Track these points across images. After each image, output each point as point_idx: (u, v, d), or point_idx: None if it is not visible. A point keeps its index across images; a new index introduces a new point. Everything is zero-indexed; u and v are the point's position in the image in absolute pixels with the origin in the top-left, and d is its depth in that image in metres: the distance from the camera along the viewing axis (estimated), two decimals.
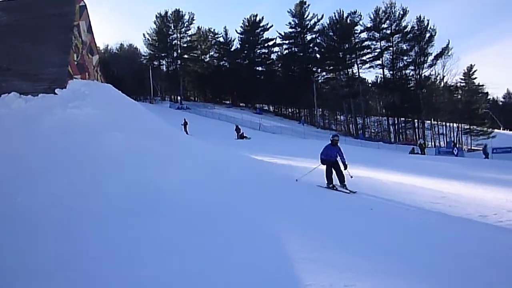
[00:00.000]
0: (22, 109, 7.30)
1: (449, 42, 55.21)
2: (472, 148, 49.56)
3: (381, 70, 60.95)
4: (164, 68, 73.12)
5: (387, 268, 3.47)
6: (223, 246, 3.82)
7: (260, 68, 74.32)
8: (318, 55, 67.27)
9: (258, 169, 9.13)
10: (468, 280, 3.33)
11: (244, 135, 30.20)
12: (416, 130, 57.40)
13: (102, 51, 59.27)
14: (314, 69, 67.18)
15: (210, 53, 75.16)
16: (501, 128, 62.84)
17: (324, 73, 68.25)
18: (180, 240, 3.91)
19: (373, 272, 3.32)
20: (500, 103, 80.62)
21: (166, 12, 70.08)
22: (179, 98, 67.69)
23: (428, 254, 3.95)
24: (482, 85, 63.91)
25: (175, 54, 70.70)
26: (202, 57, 73.51)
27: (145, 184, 5.54)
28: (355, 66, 62.47)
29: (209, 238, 4.00)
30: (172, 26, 69.91)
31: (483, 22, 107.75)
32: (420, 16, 56.84)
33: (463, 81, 62.21)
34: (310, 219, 5.14)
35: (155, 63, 71.04)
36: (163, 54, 70.95)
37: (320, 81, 67.42)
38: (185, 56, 71.21)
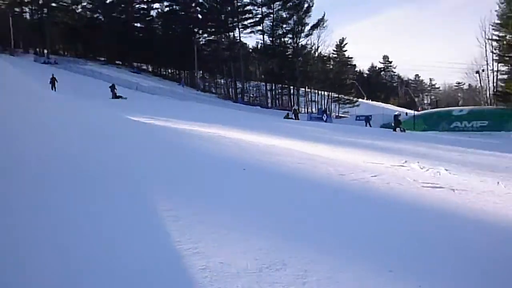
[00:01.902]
0: None
1: (324, 14, 58.57)
2: (340, 115, 54.48)
3: (262, 36, 62.37)
4: (28, 17, 64.86)
5: (253, 224, 3.70)
6: (100, 206, 3.71)
7: (138, 25, 70.47)
8: (200, 16, 66.03)
9: (130, 129, 8.87)
10: (327, 224, 3.75)
11: (119, 94, 28.77)
12: (292, 96, 60.67)
13: None
14: (196, 30, 65.93)
15: (83, 4, 68.55)
16: (365, 98, 69.97)
17: (205, 35, 67.47)
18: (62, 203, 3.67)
19: (229, 225, 3.51)
20: (365, 75, 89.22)
21: None
22: (45, 51, 61.04)
23: (290, 206, 4.34)
24: (351, 58, 70.19)
25: (40, 1, 62.88)
26: (73, 7, 66.79)
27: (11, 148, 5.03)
28: (237, 30, 62.85)
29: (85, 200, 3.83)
30: None
31: None
32: None
33: (335, 53, 67.15)
34: (180, 177, 5.20)
35: (17, 10, 62.44)
36: (26, 0, 62.63)
37: (201, 42, 66.59)
38: (53, 4, 63.85)
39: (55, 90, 23.36)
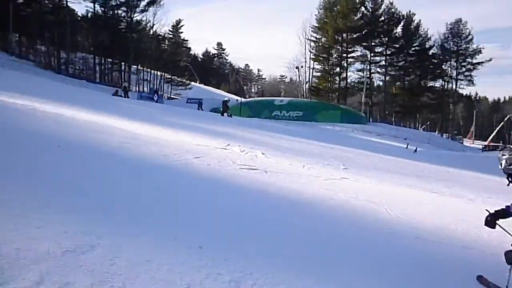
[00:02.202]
0: None
1: None
2: (171, 96, 54.32)
3: (93, 4, 57.54)
4: None
5: (57, 199, 3.45)
6: None
7: None
8: None
9: None
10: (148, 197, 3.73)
11: None
12: (122, 73, 57.89)
13: None
14: None
15: None
16: (197, 82, 71.25)
17: None
18: None
19: (30, 208, 3.21)
20: (199, 59, 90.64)
21: None
22: None
23: (96, 187, 4.18)
24: (187, 40, 70.37)
25: None
26: None
27: None
28: None
29: None
30: None
31: None
32: None
33: (170, 33, 66.33)
34: None
35: None
36: None
37: (20, 1, 58.00)
38: None
39: None
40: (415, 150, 20.65)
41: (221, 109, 26.50)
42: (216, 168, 6.15)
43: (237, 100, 42.21)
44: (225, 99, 29.65)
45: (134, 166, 5.42)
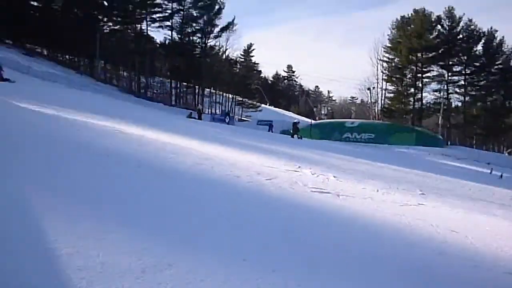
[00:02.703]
0: None
1: (234, 18, 59.42)
2: (242, 118, 55.59)
3: (170, 32, 61.22)
4: None
5: (133, 223, 3.60)
6: None
7: (35, 3, 64.63)
8: (105, 2, 62.70)
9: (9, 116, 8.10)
10: (209, 222, 3.78)
11: (5, 77, 25.98)
12: (196, 96, 60.38)
13: None
14: (100, 17, 62.41)
15: None
16: (268, 104, 72.41)
17: (110, 24, 64.21)
18: None
19: (111, 224, 3.38)
20: (270, 82, 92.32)
21: None
22: None
23: (181, 207, 4.30)
24: (257, 64, 72.23)
25: None
26: None
27: None
28: (145, 23, 60.95)
29: None
30: None
31: (265, 5, 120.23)
32: None
33: (242, 57, 68.45)
34: (64, 171, 4.88)
35: None
36: None
37: (105, 31, 63.21)
38: None
39: None
40: (501, 176, 19.09)
41: (291, 131, 26.60)
42: (288, 191, 6.12)
43: (311, 123, 42.11)
44: (295, 120, 29.77)
45: (209, 186, 5.57)
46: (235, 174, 6.63)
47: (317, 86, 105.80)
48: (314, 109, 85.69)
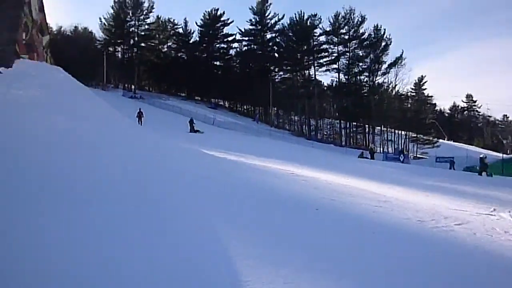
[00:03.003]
0: None
1: (402, 52, 57.54)
2: (418, 156, 51.99)
3: (337, 74, 62.46)
4: (119, 55, 71.04)
5: (323, 266, 3.52)
6: (161, 242, 3.75)
7: (218, 63, 73.91)
8: (276, 54, 67.86)
9: (200, 161, 9.04)
10: (399, 279, 3.45)
11: (196, 128, 29.89)
12: (366, 135, 59.29)
13: (55, 32, 56.60)
14: (272, 68, 67.65)
15: (168, 44, 73.99)
16: (446, 139, 66.33)
17: (281, 73, 68.98)
18: (115, 232, 3.80)
19: (308, 269, 3.36)
20: (446, 114, 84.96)
21: None
22: (133, 87, 66.03)
23: (365, 255, 4.06)
24: (431, 96, 67.42)
25: (131, 42, 68.81)
26: (160, 47, 72.15)
27: (78, 170, 5.36)
28: (312, 68, 63.61)
29: (143, 236, 3.90)
30: (130, 13, 67.96)
31: (435, 34, 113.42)
32: (377, 25, 58.67)
33: (413, 91, 65.06)
34: (248, 215, 5.13)
35: (110, 49, 68.80)
36: (119, 41, 68.82)
37: (277, 80, 68.03)
38: (142, 44, 69.52)
39: (141, 124, 24.36)
40: None
41: (478, 168, 23.62)
42: (485, 239, 5.30)
43: (500, 156, 36.99)
44: (482, 155, 26.38)
45: (388, 234, 5.20)
46: (418, 218, 6.08)
47: (506, 115, 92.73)
48: (504, 141, 75.01)
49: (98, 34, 69.19)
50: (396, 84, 58.54)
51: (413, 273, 3.69)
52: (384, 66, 58.89)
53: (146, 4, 68.44)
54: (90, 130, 6.78)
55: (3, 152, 5.33)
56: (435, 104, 72.39)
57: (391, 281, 3.42)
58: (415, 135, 60.39)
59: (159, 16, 71.51)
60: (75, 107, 7.65)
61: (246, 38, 71.11)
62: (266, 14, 68.07)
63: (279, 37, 67.16)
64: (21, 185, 4.40)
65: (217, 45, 72.83)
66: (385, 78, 59.44)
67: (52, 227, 3.48)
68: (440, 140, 61.69)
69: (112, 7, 68.02)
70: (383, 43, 58.66)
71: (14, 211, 3.74)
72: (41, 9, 9.12)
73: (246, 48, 71.72)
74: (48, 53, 9.54)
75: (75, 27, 67.47)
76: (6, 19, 8.05)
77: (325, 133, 63.95)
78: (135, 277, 2.85)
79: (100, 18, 69.43)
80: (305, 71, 65.03)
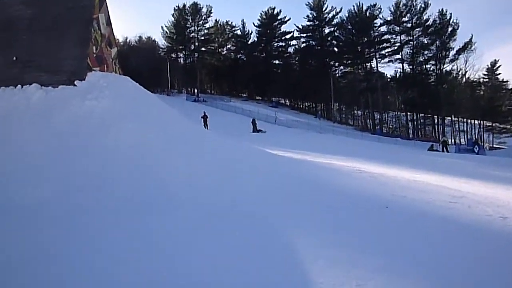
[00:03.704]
0: (42, 101, 7.43)
1: (472, 36, 53.98)
2: (494, 146, 48.61)
3: (401, 64, 60.14)
4: (182, 61, 73.64)
5: (398, 268, 3.40)
6: (229, 244, 3.81)
7: (276, 62, 74.16)
8: (336, 49, 66.70)
9: (265, 162, 9.05)
10: (480, 283, 3.24)
11: (259, 128, 30.13)
12: (436, 126, 56.46)
13: (121, 43, 59.92)
14: (332, 63, 66.62)
15: (227, 46, 75.46)
16: None
17: (341, 67, 67.71)
18: (187, 239, 3.92)
19: (382, 271, 3.25)
20: None
21: (184, 5, 70.40)
22: (195, 90, 68.13)
23: (442, 256, 3.85)
24: (507, 81, 62.53)
25: (192, 47, 71.03)
26: (219, 50, 73.75)
27: (155, 180, 5.59)
28: (374, 60, 61.80)
29: (214, 238, 3.98)
30: (190, 19, 70.15)
31: (508, 15, 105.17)
32: (442, 10, 55.73)
33: (486, 77, 60.94)
34: (317, 215, 5.06)
35: (173, 55, 71.52)
36: (180, 47, 71.31)
37: (337, 75, 66.87)
38: (202, 49, 71.50)
39: (207, 127, 24.29)
40: None
41: None
42: None
43: None
44: None
45: (464, 229, 4.89)
46: (500, 214, 5.65)
47: None
48: None
49: (161, 42, 72.32)
50: (466, 71, 55.12)
51: (502, 277, 3.44)
52: (452, 52, 55.67)
53: (204, 10, 70.39)
54: (162, 136, 7.07)
55: (79, 162, 5.72)
56: (511, 89, 67.16)
57: (472, 282, 3.22)
58: (490, 124, 56.49)
59: (217, 20, 73.30)
60: (144, 114, 8.00)
61: (304, 35, 70.63)
62: (323, 9, 67.12)
63: (338, 31, 65.93)
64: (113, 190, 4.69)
65: (275, 44, 73.04)
66: (453, 65, 56.19)
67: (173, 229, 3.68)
68: None
69: (173, 15, 70.63)
70: (450, 29, 55.48)
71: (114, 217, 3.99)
72: (108, 23, 9.64)
73: (304, 44, 71.23)
74: (116, 64, 10.05)
75: (140, 37, 70.95)
76: (77, 35, 8.60)
77: (391, 126, 61.79)
78: (203, 277, 2.91)
79: (162, 27, 72.48)
80: (367, 64, 63.25)
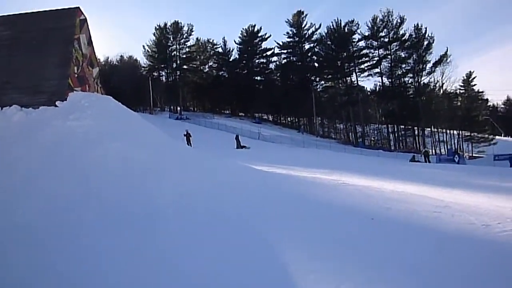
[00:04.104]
0: (23, 122, 7.32)
1: (447, 49, 55.55)
2: (473, 155, 49.59)
3: (380, 78, 61.37)
4: (164, 79, 73.69)
5: (390, 279, 3.43)
6: (216, 257, 3.80)
7: (258, 78, 74.87)
8: (316, 64, 67.73)
9: (250, 178, 9.05)
10: None
11: (243, 144, 30.14)
12: (416, 137, 57.45)
13: (103, 63, 59.64)
14: (313, 78, 67.54)
15: (209, 64, 75.89)
16: (502, 135, 62.89)
17: (322, 82, 68.70)
18: (177, 253, 3.91)
19: (375, 282, 3.27)
20: (500, 109, 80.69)
21: (166, 24, 70.72)
22: (178, 108, 67.91)
23: (431, 265, 3.89)
24: (482, 92, 64.39)
25: (174, 65, 71.18)
26: (201, 68, 74.07)
27: (140, 195, 5.55)
28: (354, 74, 62.94)
29: (202, 253, 3.97)
30: (171, 38, 70.44)
31: (481, 27, 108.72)
32: (417, 24, 57.37)
33: (462, 88, 62.52)
34: (305, 228, 5.07)
35: (155, 74, 71.50)
36: (162, 65, 71.39)
37: (319, 89, 67.75)
38: (184, 67, 71.72)
39: (190, 145, 23.38)
40: None
41: None
42: None
43: None
44: None
45: (452, 239, 4.96)
46: (482, 222, 5.75)
47: None
48: None
49: (143, 61, 72.21)
50: (443, 83, 56.65)
51: (488, 284, 3.49)
52: (429, 65, 57.23)
53: (185, 28, 70.80)
54: (146, 154, 7.02)
55: (64, 181, 5.64)
56: (487, 99, 68.76)
57: None
58: (468, 134, 57.77)
59: (199, 38, 73.68)
60: (128, 133, 7.95)
61: (285, 51, 71.59)
62: (303, 25, 68.30)
63: (317, 47, 67.03)
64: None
65: (257, 61, 73.75)
66: (431, 78, 57.71)
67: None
68: (497, 137, 58.53)
69: (154, 34, 70.79)
70: (426, 42, 57.03)
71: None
72: (90, 43, 9.62)
73: (285, 60, 72.16)
74: (98, 84, 10.00)
75: (121, 56, 70.79)
76: (58, 55, 8.56)
77: (373, 139, 62.60)
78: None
79: (143, 46, 72.43)
80: (347, 78, 64.28)
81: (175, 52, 70.91)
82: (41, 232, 4.43)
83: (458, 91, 61.20)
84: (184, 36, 70.99)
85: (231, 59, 74.00)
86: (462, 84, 62.52)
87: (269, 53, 73.00)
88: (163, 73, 73.64)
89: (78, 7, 9.15)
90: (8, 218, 4.68)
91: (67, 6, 9.14)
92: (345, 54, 62.09)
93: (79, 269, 3.59)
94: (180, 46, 71.07)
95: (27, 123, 7.30)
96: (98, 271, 3.56)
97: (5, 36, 8.76)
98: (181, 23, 70.39)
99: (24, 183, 5.52)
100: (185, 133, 27.34)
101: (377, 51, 60.83)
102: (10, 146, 6.54)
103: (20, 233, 4.37)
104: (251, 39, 71.74)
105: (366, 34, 60.87)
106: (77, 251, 3.99)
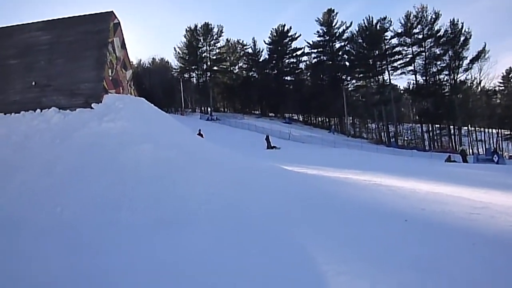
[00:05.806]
0: (61, 123, 7.60)
1: (485, 44, 53.55)
2: None
3: (413, 76, 59.89)
4: (194, 80, 74.71)
5: (420, 283, 3.33)
6: (248, 262, 3.79)
7: (288, 78, 74.63)
8: (347, 63, 66.83)
9: (282, 179, 9.02)
10: None
11: (273, 145, 30.10)
12: (452, 137, 55.70)
13: (135, 65, 61.07)
14: (344, 77, 66.73)
15: (239, 65, 76.29)
16: None
17: (354, 81, 67.75)
18: (207, 255, 3.93)
19: (404, 285, 3.19)
20: None
21: (196, 26, 71.60)
22: (209, 109, 68.66)
23: (469, 269, 3.76)
24: None
25: (204, 67, 72.03)
26: (231, 69, 74.59)
27: (173, 198, 5.62)
28: (386, 72, 61.68)
29: (235, 256, 3.98)
30: (202, 39, 71.31)
31: None
32: (453, 19, 55.58)
33: (502, 85, 60.20)
34: (337, 230, 5.00)
35: (186, 75, 72.60)
36: (193, 67, 72.40)
37: (350, 89, 66.87)
38: (215, 68, 72.45)
39: None
40: None
41: None
42: None
43: None
44: None
45: (491, 241, 4.77)
46: None
47: None
48: None
49: (174, 62, 73.55)
50: (481, 80, 54.66)
51: None
52: (466, 62, 55.34)
53: (215, 29, 71.55)
54: (177, 155, 7.12)
55: (100, 181, 5.80)
56: None
57: None
58: (508, 133, 55.56)
59: (229, 39, 74.33)
60: (160, 134, 8.08)
61: (315, 50, 71.07)
62: (333, 24, 67.62)
63: (348, 45, 66.20)
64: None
65: (287, 60, 73.58)
66: (467, 74, 55.78)
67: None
68: None
69: (185, 36, 71.86)
70: (462, 38, 55.20)
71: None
72: (123, 46, 9.85)
73: (315, 60, 71.64)
74: (131, 86, 10.22)
75: (153, 58, 72.48)
76: (93, 59, 8.81)
77: (406, 138, 61.25)
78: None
79: (174, 48, 73.86)
80: (379, 77, 63.12)
81: (205, 54, 71.82)
82: (80, 231, 4.57)
83: (497, 88, 59.12)
84: (214, 38, 71.84)
85: (260, 60, 74.17)
86: (502, 81, 60.26)
87: (299, 52, 72.79)
88: (194, 74, 74.74)
89: (112, 11, 9.39)
90: (50, 216, 4.86)
91: (102, 10, 9.40)
92: (377, 52, 61.01)
93: (118, 268, 3.67)
94: (210, 48, 71.95)
95: (65, 124, 7.57)
96: (132, 270, 3.63)
97: (45, 40, 9.09)
98: (211, 24, 71.44)
99: (63, 182, 5.73)
100: (198, 132, 27.54)
101: (410, 48, 59.45)
102: (50, 146, 6.81)
103: (60, 231, 4.53)
104: (280, 39, 71.65)
105: (399, 31, 59.71)
106: (116, 250, 4.09)
